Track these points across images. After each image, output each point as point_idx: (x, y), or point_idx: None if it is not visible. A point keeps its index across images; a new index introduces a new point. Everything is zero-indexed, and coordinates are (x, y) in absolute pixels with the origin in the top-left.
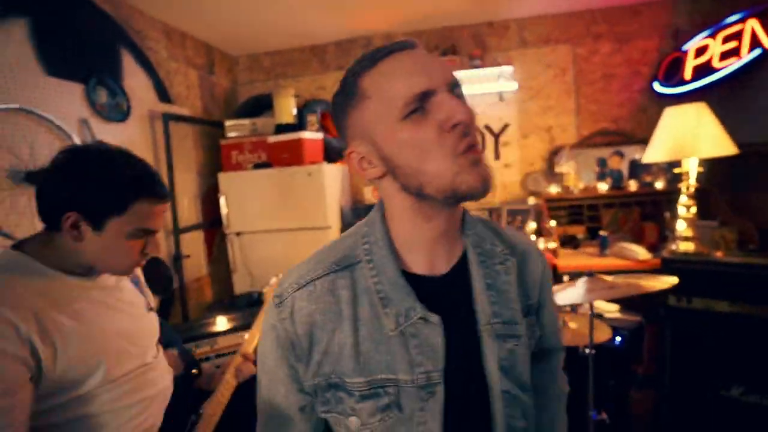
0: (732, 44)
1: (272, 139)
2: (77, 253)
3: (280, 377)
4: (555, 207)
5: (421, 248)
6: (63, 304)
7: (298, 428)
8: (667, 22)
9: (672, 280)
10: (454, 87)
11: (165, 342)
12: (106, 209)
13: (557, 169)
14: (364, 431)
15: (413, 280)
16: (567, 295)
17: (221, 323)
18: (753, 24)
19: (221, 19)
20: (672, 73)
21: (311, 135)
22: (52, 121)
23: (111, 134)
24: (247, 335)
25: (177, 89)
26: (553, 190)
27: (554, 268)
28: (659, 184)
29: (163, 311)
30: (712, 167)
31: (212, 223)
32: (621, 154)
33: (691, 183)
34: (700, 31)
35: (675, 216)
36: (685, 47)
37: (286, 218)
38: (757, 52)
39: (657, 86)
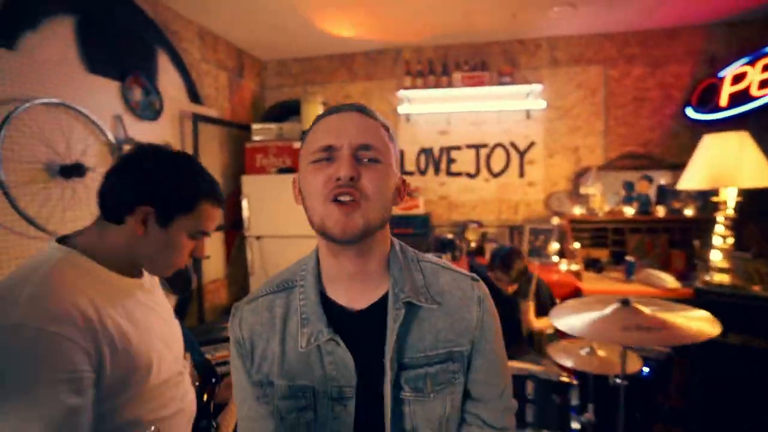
0: None
1: (298, 144)
2: (131, 248)
3: (237, 367)
4: (579, 228)
5: (340, 282)
6: (116, 302)
7: (257, 411)
8: (702, 48)
9: (715, 331)
10: (360, 149)
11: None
12: (177, 206)
13: (583, 190)
14: (285, 423)
15: (335, 309)
16: (596, 329)
17: None
18: None
19: (254, 23)
20: (706, 100)
21: None
22: (88, 116)
23: (143, 132)
24: None
25: (207, 90)
26: (577, 211)
27: (578, 291)
28: (689, 212)
29: (179, 312)
30: (747, 197)
31: (233, 225)
32: (650, 179)
33: (728, 213)
34: (737, 59)
35: (705, 245)
36: (721, 74)
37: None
38: None
39: (690, 112)
